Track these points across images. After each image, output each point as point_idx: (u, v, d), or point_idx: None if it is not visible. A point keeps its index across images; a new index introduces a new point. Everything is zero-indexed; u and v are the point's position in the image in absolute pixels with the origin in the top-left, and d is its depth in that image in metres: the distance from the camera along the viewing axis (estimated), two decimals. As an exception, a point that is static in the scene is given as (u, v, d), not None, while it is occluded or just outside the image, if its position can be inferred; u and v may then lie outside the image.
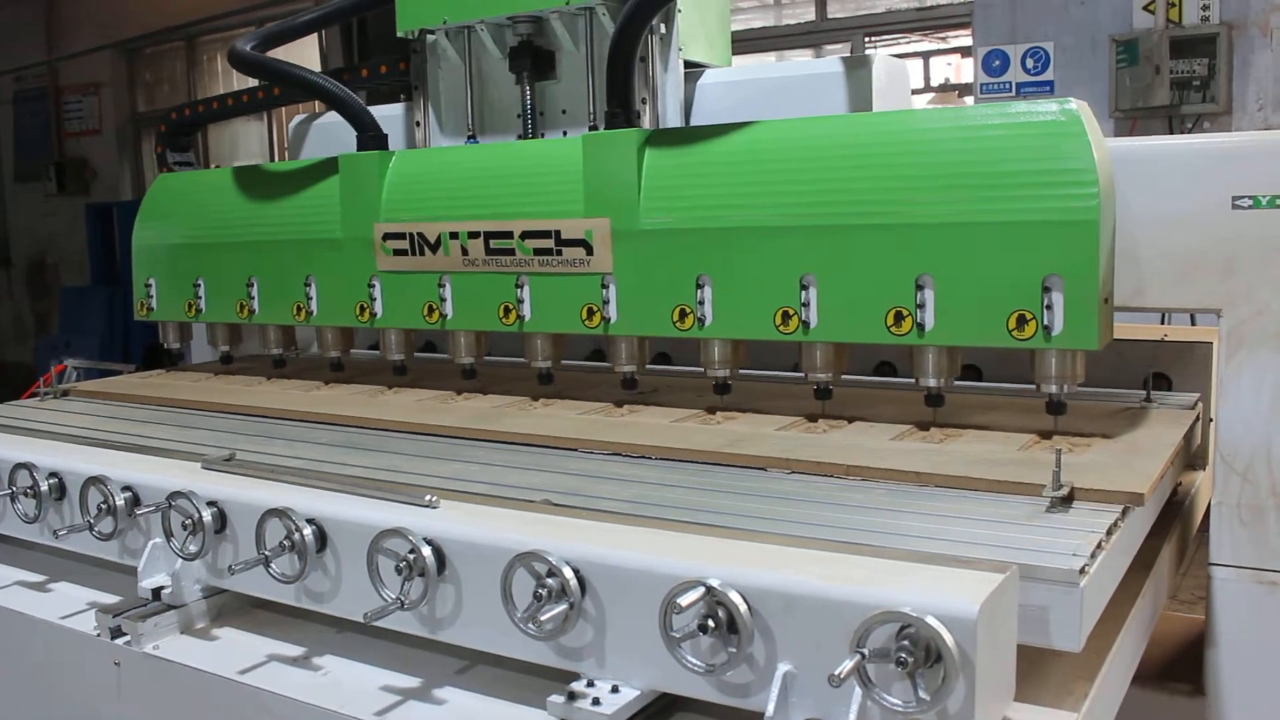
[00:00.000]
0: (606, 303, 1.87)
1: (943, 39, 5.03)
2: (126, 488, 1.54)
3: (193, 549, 1.43)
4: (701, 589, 1.08)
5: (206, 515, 1.42)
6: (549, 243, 1.90)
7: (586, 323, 1.89)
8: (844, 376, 1.80)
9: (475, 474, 1.58)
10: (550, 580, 1.16)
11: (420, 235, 2.04)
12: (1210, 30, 3.73)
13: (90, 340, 7.79)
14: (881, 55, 2.00)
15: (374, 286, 2.13)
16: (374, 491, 1.37)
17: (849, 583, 1.07)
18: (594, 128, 2.07)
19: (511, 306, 1.96)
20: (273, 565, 1.35)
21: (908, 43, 5.21)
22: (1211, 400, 1.87)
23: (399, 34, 2.21)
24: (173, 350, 2.56)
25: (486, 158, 2.03)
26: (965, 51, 4.89)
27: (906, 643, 0.99)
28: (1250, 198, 1.66)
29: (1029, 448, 1.59)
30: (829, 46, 5.75)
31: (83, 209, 8.70)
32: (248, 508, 1.40)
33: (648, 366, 1.96)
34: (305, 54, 7.16)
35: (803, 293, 1.70)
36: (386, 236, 2.09)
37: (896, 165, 1.63)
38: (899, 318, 1.63)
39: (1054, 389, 1.62)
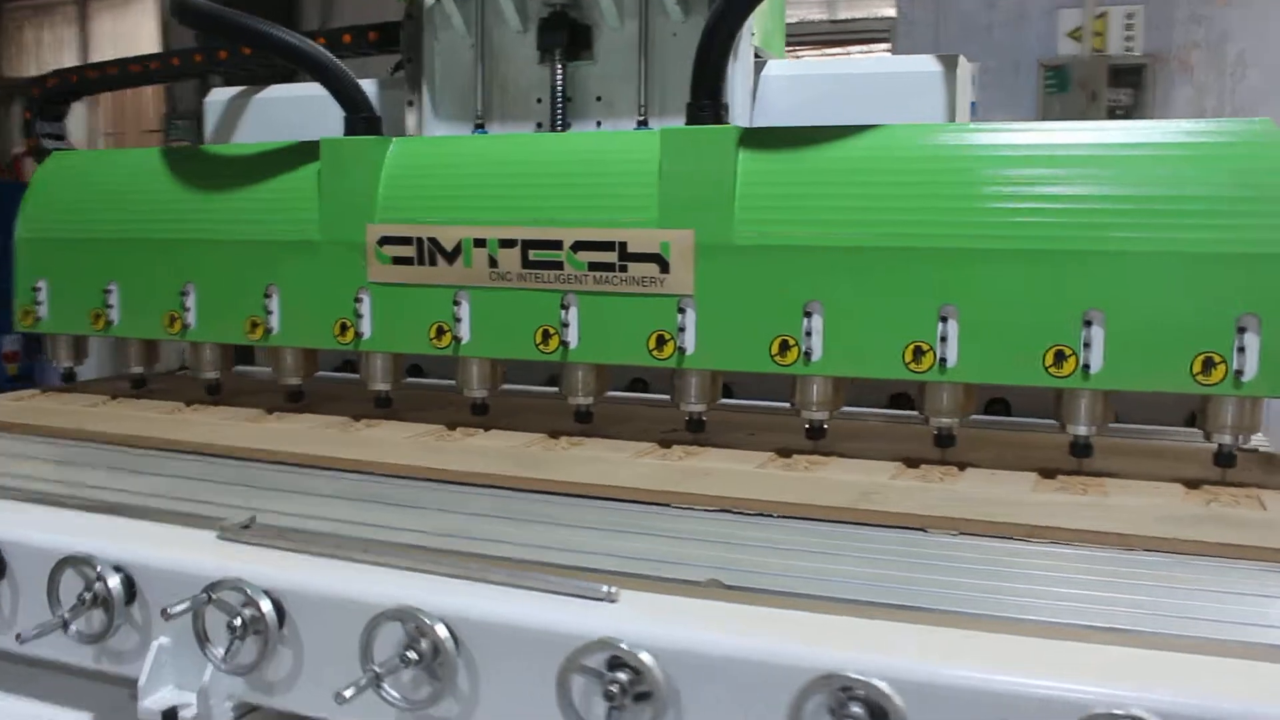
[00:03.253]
0: (682, 330, 1.56)
1: (866, 54, 4.94)
2: (118, 568, 1.12)
3: (246, 658, 1.04)
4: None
5: (266, 607, 1.03)
6: (610, 256, 1.58)
7: (655, 353, 1.58)
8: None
9: (580, 540, 1.25)
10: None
11: (433, 241, 1.68)
12: (1138, 61, 3.76)
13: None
14: (963, 57, 1.78)
15: (361, 301, 1.74)
16: (535, 581, 1.01)
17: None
18: (643, 122, 1.76)
19: (553, 331, 1.63)
20: (386, 685, 0.98)
21: (821, 56, 5.10)
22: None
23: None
24: (65, 371, 2.07)
25: (525, 150, 1.69)
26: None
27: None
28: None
29: (1199, 501, 1.39)
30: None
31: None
32: (337, 603, 1.02)
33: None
34: (138, 29, 6.41)
35: (940, 325, 1.45)
36: (384, 241, 1.71)
37: (1059, 184, 1.41)
38: (1060, 357, 1.41)
39: (1228, 439, 1.43)
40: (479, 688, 0.96)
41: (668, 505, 1.40)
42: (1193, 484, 1.46)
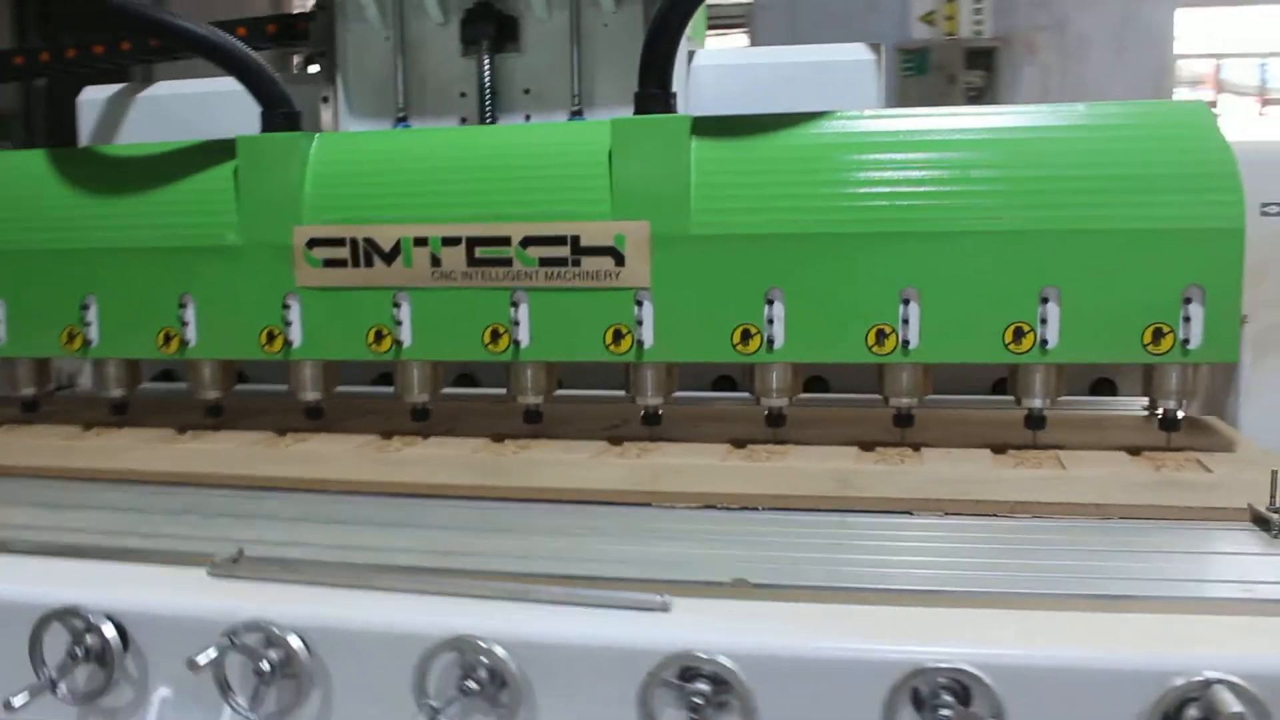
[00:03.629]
0: (640, 323, 1.54)
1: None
2: (109, 617, 1.03)
3: (276, 705, 0.96)
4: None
5: (296, 645, 0.96)
6: (563, 251, 1.54)
7: (611, 348, 1.56)
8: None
9: (591, 549, 1.22)
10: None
11: (369, 242, 1.60)
12: (989, 43, 3.91)
13: None
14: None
15: (289, 307, 1.65)
16: (587, 596, 0.97)
17: None
18: (577, 113, 1.72)
19: (503, 329, 1.58)
20: (439, 720, 0.92)
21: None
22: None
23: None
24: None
25: (464, 143, 1.63)
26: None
27: None
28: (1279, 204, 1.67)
29: (1149, 467, 1.46)
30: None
31: None
32: (379, 637, 0.96)
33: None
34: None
35: (902, 308, 1.47)
36: (314, 243, 1.62)
37: (1015, 166, 1.45)
38: (1019, 334, 1.45)
39: (1172, 404, 1.50)
40: (542, 713, 0.92)
41: (648, 505, 1.38)
42: (1135, 451, 1.53)
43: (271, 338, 1.66)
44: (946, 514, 1.32)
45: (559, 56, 1.73)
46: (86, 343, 1.74)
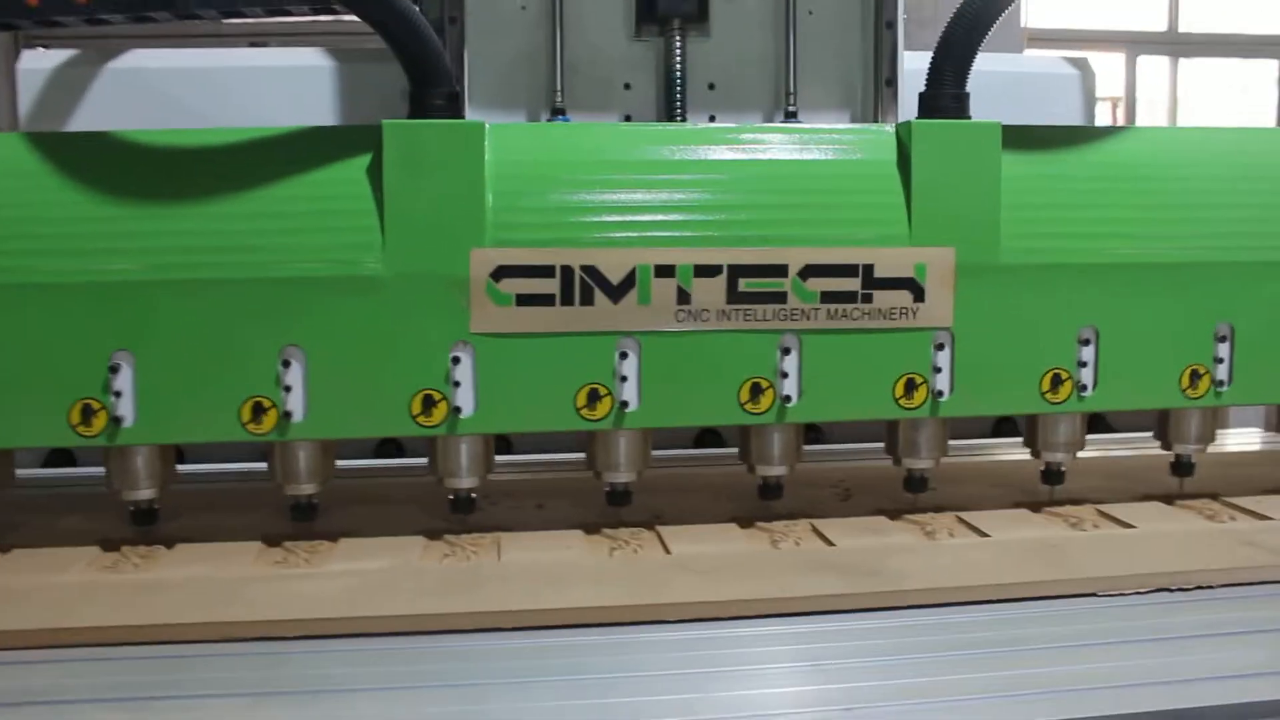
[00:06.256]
0: (938, 370, 1.27)
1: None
2: None
3: None
4: None
5: None
6: (851, 283, 1.24)
7: (902, 401, 1.27)
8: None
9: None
10: None
11: (591, 272, 1.19)
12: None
13: None
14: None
15: (459, 362, 1.19)
16: None
17: None
18: (791, 114, 1.41)
19: (766, 384, 1.24)
20: None
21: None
22: None
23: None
24: None
25: (699, 141, 1.25)
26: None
27: None
28: None
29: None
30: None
31: None
32: None
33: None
34: None
35: (1218, 346, 1.33)
36: (502, 273, 1.18)
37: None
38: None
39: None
40: None
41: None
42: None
43: (429, 405, 1.19)
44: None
45: (753, 46, 1.40)
46: (115, 422, 1.15)
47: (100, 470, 1.25)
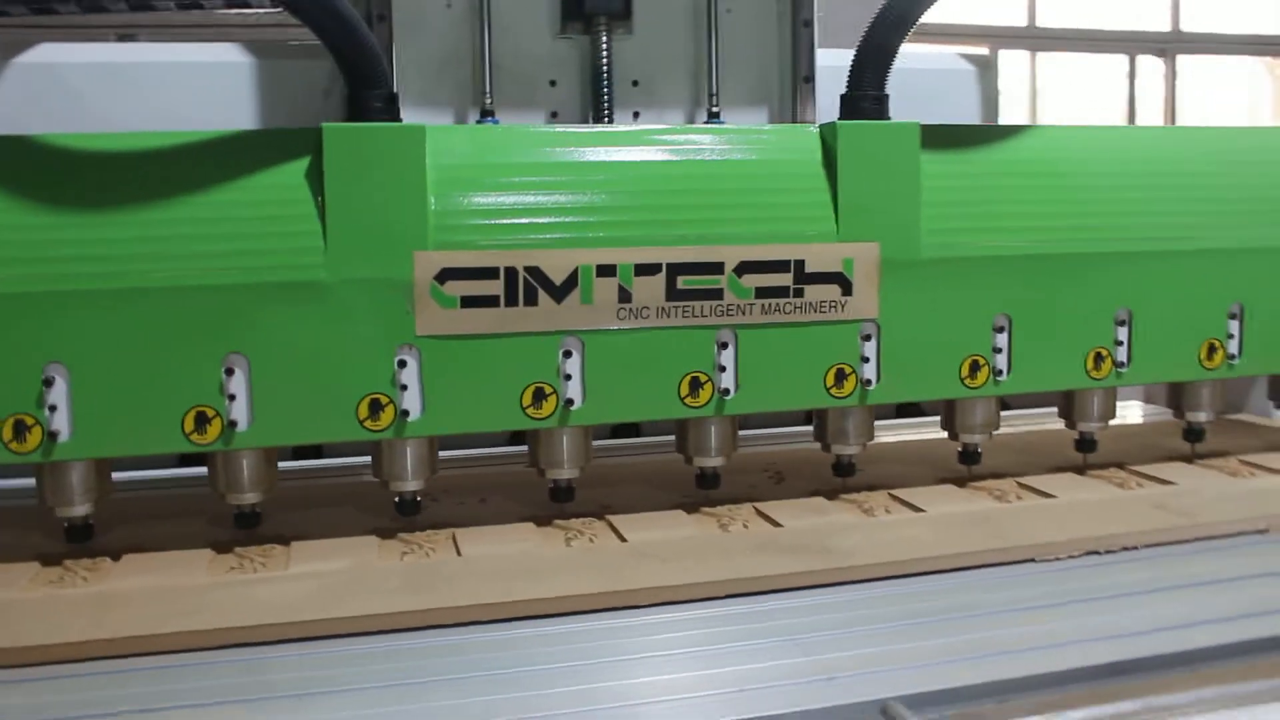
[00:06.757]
0: (866, 360, 1.33)
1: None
2: None
3: None
4: None
5: None
6: (784, 279, 1.29)
7: (833, 391, 1.33)
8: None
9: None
10: None
11: (534, 273, 1.21)
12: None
13: None
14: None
15: (405, 365, 1.20)
16: None
17: None
18: (715, 115, 1.45)
19: (704, 378, 1.28)
20: None
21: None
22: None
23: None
24: None
25: (635, 142, 1.28)
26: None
27: None
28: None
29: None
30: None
31: None
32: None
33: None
34: None
35: (1118, 330, 1.42)
36: (446, 275, 1.19)
37: (1216, 186, 1.47)
38: (1211, 351, 1.47)
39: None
40: None
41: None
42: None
43: (376, 409, 1.20)
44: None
45: (675, 43, 1.44)
46: (50, 437, 1.12)
47: (28, 481, 1.22)
